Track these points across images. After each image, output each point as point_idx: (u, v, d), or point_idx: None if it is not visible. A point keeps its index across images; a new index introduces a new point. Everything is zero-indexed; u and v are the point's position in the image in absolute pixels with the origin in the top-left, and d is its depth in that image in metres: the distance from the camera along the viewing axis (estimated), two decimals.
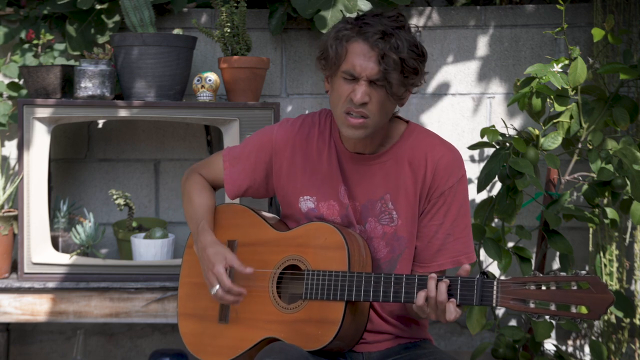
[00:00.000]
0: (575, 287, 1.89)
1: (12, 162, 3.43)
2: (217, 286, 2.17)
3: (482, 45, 3.50)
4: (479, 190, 3.00)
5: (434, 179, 2.21)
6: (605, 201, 3.18)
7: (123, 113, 3.10)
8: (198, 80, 3.18)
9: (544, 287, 1.92)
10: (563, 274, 1.91)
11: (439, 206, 2.22)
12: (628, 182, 2.93)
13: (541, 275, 1.93)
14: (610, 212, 3.07)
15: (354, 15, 3.24)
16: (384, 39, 2.06)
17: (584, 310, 1.89)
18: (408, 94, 2.16)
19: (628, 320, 3.27)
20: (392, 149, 2.24)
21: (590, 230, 3.32)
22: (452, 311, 2.00)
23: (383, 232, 2.24)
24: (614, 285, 3.23)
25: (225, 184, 2.38)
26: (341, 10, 3.19)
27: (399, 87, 2.10)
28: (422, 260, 2.24)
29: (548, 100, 3.02)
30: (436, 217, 2.22)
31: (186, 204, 2.42)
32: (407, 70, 2.09)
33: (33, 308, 3.10)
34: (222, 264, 2.18)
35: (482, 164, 3.46)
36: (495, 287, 1.97)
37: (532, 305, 1.92)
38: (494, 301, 1.96)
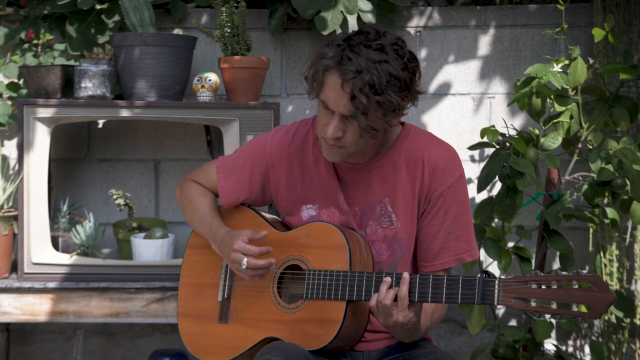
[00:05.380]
0: (576, 286, 1.89)
1: (12, 162, 3.43)
2: (245, 259, 2.16)
3: (482, 45, 3.50)
4: (479, 190, 3.00)
5: (432, 180, 2.21)
6: (605, 201, 3.18)
7: (123, 113, 3.10)
8: (198, 80, 3.18)
9: (545, 286, 1.92)
10: (564, 273, 1.92)
11: (438, 206, 2.21)
12: (628, 182, 2.93)
13: (542, 274, 1.93)
14: (610, 212, 3.07)
15: (361, 17, 3.24)
16: (356, 78, 1.99)
17: (584, 309, 1.89)
18: (396, 120, 2.11)
19: (628, 320, 3.27)
20: (388, 153, 2.23)
21: (590, 230, 3.33)
22: (393, 315, 2.02)
23: (384, 235, 2.24)
24: (614, 285, 3.23)
25: (221, 196, 2.37)
26: (342, 11, 3.18)
27: (367, 129, 2.05)
28: (425, 259, 2.24)
29: (548, 100, 3.02)
30: (436, 217, 2.22)
31: (189, 210, 2.41)
32: (384, 106, 2.02)
33: (33, 308, 3.10)
34: (239, 238, 2.18)
35: (482, 164, 3.46)
36: (496, 286, 1.97)
37: (533, 304, 1.92)
38: (496, 300, 1.97)
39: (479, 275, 1.99)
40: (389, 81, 2.00)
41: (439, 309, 2.24)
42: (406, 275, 2.03)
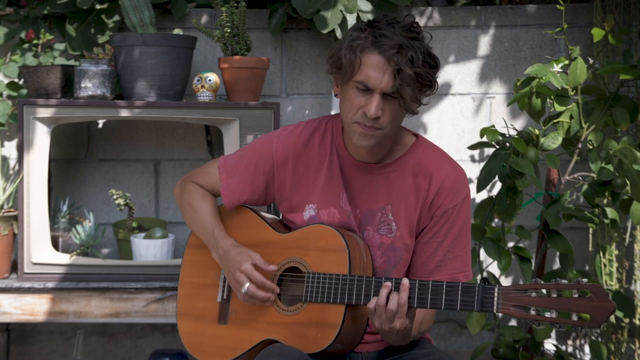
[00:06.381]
0: (576, 295, 1.89)
1: (12, 162, 3.43)
2: (247, 284, 2.16)
3: (483, 45, 3.50)
4: (479, 190, 3.00)
5: (437, 198, 2.20)
6: (605, 201, 3.18)
7: (123, 113, 3.10)
8: (198, 80, 3.18)
9: (545, 294, 1.92)
10: (564, 281, 1.91)
11: (441, 224, 2.21)
12: (628, 182, 2.93)
13: (542, 282, 1.93)
14: (610, 212, 3.07)
15: (361, 17, 3.24)
16: (400, 52, 2.04)
17: (584, 317, 1.88)
18: (426, 99, 2.16)
19: (628, 320, 3.27)
20: (398, 161, 2.23)
21: (590, 230, 3.33)
22: (394, 321, 2.02)
23: (380, 242, 2.23)
24: (614, 285, 3.23)
25: (223, 197, 2.35)
26: (341, 11, 3.19)
27: (413, 100, 2.09)
28: (420, 275, 2.23)
29: (548, 100, 3.02)
30: (438, 235, 2.21)
31: (190, 214, 2.39)
32: (422, 83, 2.08)
33: (33, 308, 3.10)
34: (249, 262, 2.18)
35: (482, 164, 3.46)
36: (496, 294, 1.96)
37: (532, 312, 1.92)
38: (495, 307, 1.96)
39: (479, 283, 1.99)
40: (424, 57, 2.08)
41: (426, 321, 2.24)
42: (406, 281, 2.02)
